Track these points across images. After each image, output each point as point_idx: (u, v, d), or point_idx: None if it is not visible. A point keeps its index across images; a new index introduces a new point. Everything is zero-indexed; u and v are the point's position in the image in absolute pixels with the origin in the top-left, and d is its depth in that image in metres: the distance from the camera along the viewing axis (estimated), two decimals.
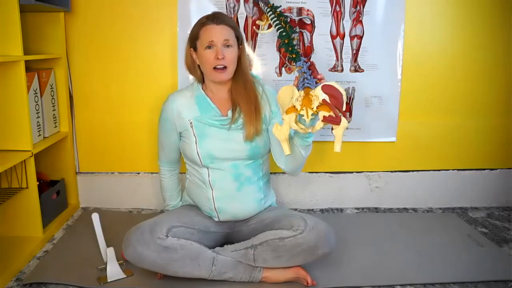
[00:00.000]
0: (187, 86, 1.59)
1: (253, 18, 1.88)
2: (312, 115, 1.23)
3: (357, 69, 1.96)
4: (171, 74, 1.93)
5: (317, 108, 1.22)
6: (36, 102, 1.71)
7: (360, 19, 1.92)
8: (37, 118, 1.71)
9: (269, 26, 1.66)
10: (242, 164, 1.49)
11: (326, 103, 1.21)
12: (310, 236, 1.35)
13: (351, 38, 1.93)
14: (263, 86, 1.55)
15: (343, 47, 1.94)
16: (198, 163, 1.50)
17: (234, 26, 1.48)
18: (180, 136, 1.55)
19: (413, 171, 2.11)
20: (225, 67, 1.44)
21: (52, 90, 1.84)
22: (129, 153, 2.01)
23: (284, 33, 1.44)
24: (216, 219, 1.52)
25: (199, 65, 1.50)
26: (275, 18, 1.51)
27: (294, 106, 1.25)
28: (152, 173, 2.03)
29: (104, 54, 1.91)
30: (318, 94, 1.22)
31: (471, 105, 2.06)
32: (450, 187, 2.13)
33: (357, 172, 2.10)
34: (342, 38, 1.93)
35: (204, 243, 1.44)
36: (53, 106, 1.85)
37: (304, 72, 1.31)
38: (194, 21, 1.85)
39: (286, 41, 1.42)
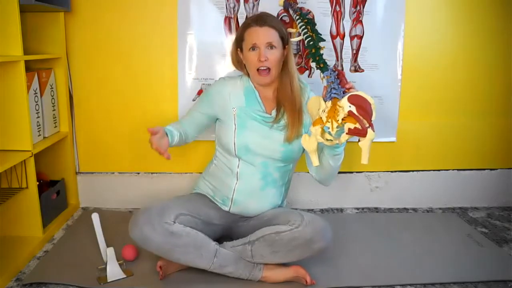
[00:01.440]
0: (237, 76, 1.60)
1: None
2: (337, 127, 1.19)
3: (357, 69, 1.96)
4: (170, 74, 1.93)
5: (342, 120, 1.18)
6: (36, 102, 1.71)
7: (360, 19, 1.92)
8: (37, 118, 1.71)
9: (300, 34, 1.63)
10: (273, 165, 1.51)
11: (352, 114, 1.17)
12: (306, 230, 1.36)
13: (351, 38, 1.93)
14: (310, 93, 1.56)
15: (343, 47, 1.94)
16: (232, 153, 1.51)
17: (279, 27, 1.48)
18: (217, 120, 1.56)
19: (413, 171, 2.11)
20: (268, 69, 1.45)
21: (52, 90, 1.84)
22: (129, 153, 2.01)
23: (311, 43, 1.42)
24: (226, 209, 1.53)
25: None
26: (303, 26, 1.49)
27: (321, 118, 1.23)
28: (152, 173, 2.03)
29: (104, 54, 1.91)
30: (344, 106, 1.18)
31: (471, 105, 2.06)
32: (450, 187, 2.13)
33: (357, 172, 2.10)
34: (342, 38, 1.93)
35: (205, 234, 1.44)
36: (53, 106, 1.85)
37: (332, 82, 1.28)
38: (194, 21, 1.87)
39: (313, 50, 1.41)
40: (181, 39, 1.88)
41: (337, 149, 1.40)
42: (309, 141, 1.27)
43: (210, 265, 1.39)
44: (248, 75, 1.55)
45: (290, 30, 1.70)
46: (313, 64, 1.44)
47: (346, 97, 1.20)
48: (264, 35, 1.44)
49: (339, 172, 2.06)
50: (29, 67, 1.73)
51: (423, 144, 2.09)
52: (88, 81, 1.94)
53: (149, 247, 1.37)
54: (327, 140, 1.24)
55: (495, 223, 1.96)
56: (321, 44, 1.46)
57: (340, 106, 1.20)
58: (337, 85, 1.27)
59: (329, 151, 1.41)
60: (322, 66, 1.37)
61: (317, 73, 1.94)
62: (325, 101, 1.24)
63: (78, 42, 1.90)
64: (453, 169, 2.13)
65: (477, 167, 2.14)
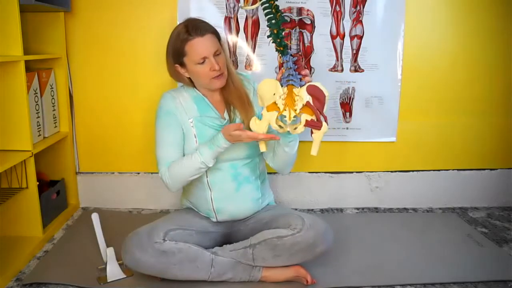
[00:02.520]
0: (180, 86, 1.56)
1: (253, 18, 1.88)
2: (294, 116, 1.22)
3: (357, 69, 1.96)
4: None
5: (300, 110, 1.21)
6: (36, 102, 1.71)
7: (360, 19, 1.92)
8: (37, 118, 1.71)
9: (254, 2, 1.46)
10: (241, 163, 1.49)
11: (309, 106, 1.20)
12: (308, 234, 1.35)
13: (351, 38, 1.93)
14: (254, 84, 1.54)
15: (343, 47, 1.93)
16: None
17: (214, 30, 1.44)
18: None
19: (413, 171, 2.11)
20: (221, 74, 1.43)
21: (52, 90, 1.84)
22: (129, 153, 2.01)
23: (273, 21, 1.32)
24: (214, 220, 1.52)
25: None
26: (264, 0, 1.35)
27: (275, 103, 1.24)
28: (152, 173, 2.03)
29: (104, 54, 1.91)
30: (303, 96, 1.21)
31: (471, 105, 2.06)
32: (450, 187, 2.13)
33: (357, 172, 2.10)
34: (342, 38, 1.93)
35: (204, 243, 1.44)
36: (53, 106, 1.85)
37: (289, 68, 1.27)
38: None
39: (275, 31, 1.32)
40: None
41: (291, 136, 1.38)
42: (259, 125, 1.27)
43: (208, 275, 1.38)
44: (190, 84, 1.50)
45: None
46: (273, 45, 1.33)
47: (305, 87, 1.21)
48: (210, 45, 1.39)
49: (340, 172, 2.09)
50: (29, 67, 1.73)
51: (423, 144, 2.09)
52: (88, 81, 1.94)
53: (143, 270, 1.36)
54: (280, 127, 1.25)
55: (495, 223, 1.96)
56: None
57: (297, 95, 1.22)
58: (294, 71, 1.26)
59: (283, 139, 1.39)
60: (282, 49, 1.31)
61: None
62: (281, 85, 1.25)
63: (78, 42, 1.90)
64: (453, 169, 2.12)
65: (477, 167, 2.13)
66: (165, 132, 1.48)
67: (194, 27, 1.40)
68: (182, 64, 1.45)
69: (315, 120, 1.20)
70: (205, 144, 1.42)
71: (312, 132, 1.23)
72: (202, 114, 1.48)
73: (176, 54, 1.44)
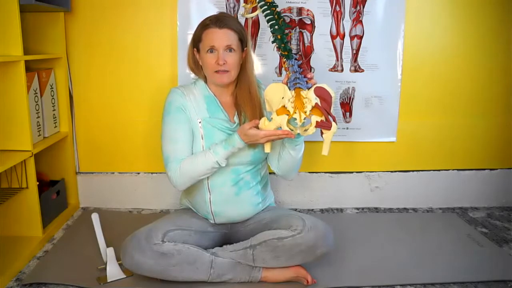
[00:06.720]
0: (190, 83, 1.54)
1: (253, 18, 1.88)
2: (304, 118, 1.25)
3: (357, 69, 1.96)
4: (171, 75, 1.93)
5: (309, 112, 1.24)
6: (36, 102, 1.71)
7: (360, 19, 1.92)
8: (37, 118, 1.71)
9: (253, 10, 1.51)
10: (243, 170, 1.48)
11: (318, 107, 1.23)
12: (309, 236, 1.35)
13: (351, 38, 1.93)
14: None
15: (343, 47, 1.94)
16: None
17: (238, 29, 1.43)
18: None
19: (413, 171, 2.11)
20: (226, 71, 1.42)
21: (52, 90, 1.84)
22: (129, 153, 2.01)
23: (276, 27, 1.35)
24: (212, 221, 1.52)
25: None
26: (266, 7, 1.39)
27: (285, 107, 1.26)
28: (152, 173, 2.03)
29: (104, 54, 1.91)
30: (311, 98, 1.24)
31: (471, 105, 2.06)
32: (450, 187, 2.13)
33: (357, 172, 2.10)
34: (342, 38, 1.93)
35: (203, 243, 1.44)
36: (53, 106, 1.85)
37: (295, 71, 1.29)
38: (194, 21, 1.87)
39: (279, 36, 1.34)
40: (181, 39, 1.88)
41: (298, 139, 1.40)
42: (268, 126, 1.29)
43: (208, 276, 1.38)
44: (205, 78, 1.50)
45: (245, 5, 1.56)
46: (277, 49, 1.37)
47: (312, 89, 1.25)
48: (223, 38, 1.39)
49: (340, 172, 2.09)
50: (29, 67, 1.73)
51: (423, 144, 2.09)
52: (88, 81, 1.94)
53: (143, 272, 1.36)
54: (290, 130, 1.27)
55: (495, 223, 1.96)
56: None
57: (305, 98, 1.25)
58: (300, 74, 1.28)
59: (290, 143, 1.40)
60: (287, 53, 1.32)
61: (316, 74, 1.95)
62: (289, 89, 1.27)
63: (78, 42, 1.90)
64: (453, 169, 2.12)
65: (477, 167, 2.13)
66: (175, 129, 1.44)
67: (217, 19, 1.42)
68: (198, 50, 1.47)
69: (325, 120, 1.23)
70: (220, 143, 1.40)
71: (322, 133, 1.26)
72: (211, 115, 1.46)
73: (195, 38, 1.47)
